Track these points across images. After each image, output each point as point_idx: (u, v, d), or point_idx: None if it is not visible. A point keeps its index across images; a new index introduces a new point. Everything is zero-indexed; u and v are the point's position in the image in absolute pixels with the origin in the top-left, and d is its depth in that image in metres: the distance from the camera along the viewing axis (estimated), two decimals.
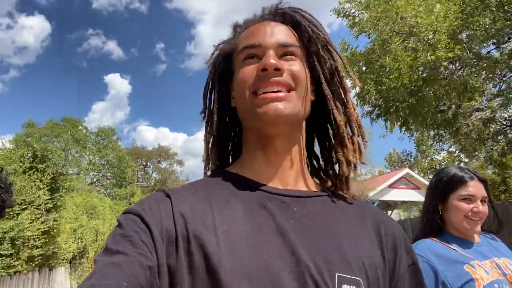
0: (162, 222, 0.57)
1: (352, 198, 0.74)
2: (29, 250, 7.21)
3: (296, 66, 0.67)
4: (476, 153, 10.43)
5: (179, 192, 0.64)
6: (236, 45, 0.73)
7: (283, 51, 0.68)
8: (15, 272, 7.28)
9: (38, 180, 7.66)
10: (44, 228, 7.73)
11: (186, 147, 62.06)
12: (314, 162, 0.80)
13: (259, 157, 0.70)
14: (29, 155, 7.83)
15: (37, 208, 7.72)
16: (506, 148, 9.85)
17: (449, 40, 6.44)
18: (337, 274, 0.57)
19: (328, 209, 0.68)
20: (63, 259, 9.26)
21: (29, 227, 7.24)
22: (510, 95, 6.69)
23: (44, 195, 7.90)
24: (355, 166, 0.73)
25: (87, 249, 11.31)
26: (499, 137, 9.29)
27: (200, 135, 0.80)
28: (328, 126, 0.76)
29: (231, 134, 0.81)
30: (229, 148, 0.82)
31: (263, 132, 0.68)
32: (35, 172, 7.68)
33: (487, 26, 6.36)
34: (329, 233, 0.63)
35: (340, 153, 0.72)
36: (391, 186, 17.79)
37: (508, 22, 6.27)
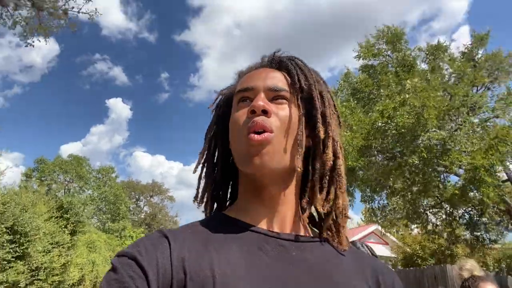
0: (158, 265, 0.55)
1: (344, 250, 0.72)
2: (53, 277, 9.87)
3: (284, 110, 0.68)
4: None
5: (177, 233, 0.62)
6: (234, 89, 0.76)
7: (274, 95, 0.69)
8: None
9: (63, 226, 10.45)
10: (64, 261, 10.36)
11: (181, 176, 61.50)
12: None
13: (254, 201, 0.69)
14: (57, 205, 10.76)
15: (62, 247, 10.32)
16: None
17: (356, 153, 9.56)
18: None
19: (326, 255, 0.67)
20: (68, 285, 11.83)
21: (56, 261, 9.88)
22: None
23: (67, 236, 10.67)
24: (329, 217, 0.72)
25: (85, 278, 13.72)
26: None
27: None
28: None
29: (229, 176, 0.80)
30: (227, 191, 0.81)
31: (253, 177, 0.68)
32: (62, 220, 10.47)
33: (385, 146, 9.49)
34: (328, 280, 0.62)
35: (305, 200, 0.72)
36: (361, 239, 20.13)
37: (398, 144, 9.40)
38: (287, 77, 0.72)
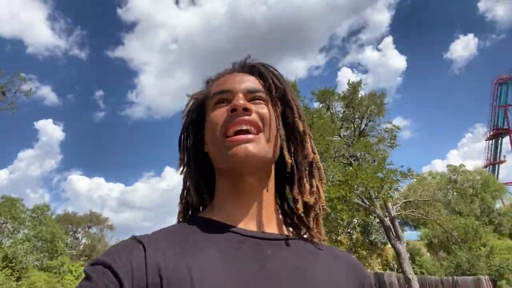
0: (133, 272, 0.55)
1: (322, 242, 0.75)
2: None
3: (264, 109, 0.71)
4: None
5: (152, 238, 0.62)
6: (208, 94, 0.77)
7: (251, 96, 0.71)
8: None
9: (9, 274, 11.64)
10: None
11: (123, 198, 58.80)
12: (286, 206, 0.80)
13: (232, 200, 0.70)
14: None
15: None
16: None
17: None
18: None
19: (302, 252, 0.68)
20: None
21: None
22: None
23: (14, 283, 11.82)
24: (312, 208, 0.74)
25: None
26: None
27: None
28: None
29: (205, 180, 0.79)
30: (203, 195, 0.80)
31: (234, 174, 0.69)
32: (8, 269, 11.67)
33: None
34: (303, 277, 0.62)
35: (296, 191, 0.73)
36: None
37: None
38: (261, 81, 0.75)
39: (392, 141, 15.68)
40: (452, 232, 14.43)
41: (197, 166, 0.79)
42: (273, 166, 0.74)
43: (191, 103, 0.82)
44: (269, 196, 0.73)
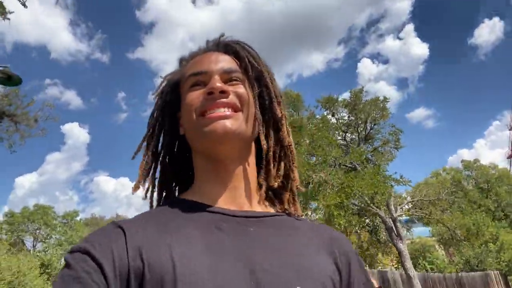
0: (114, 257, 0.54)
1: (299, 216, 0.75)
2: None
3: (241, 89, 0.70)
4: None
5: (131, 222, 0.62)
6: (182, 75, 0.74)
7: (228, 77, 0.70)
8: None
9: (47, 279, 13.15)
10: None
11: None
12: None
13: (211, 180, 0.69)
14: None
15: None
16: None
17: None
18: (297, 287, 0.58)
19: (284, 228, 0.68)
20: None
21: None
22: None
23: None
24: (284, 189, 0.75)
25: None
26: None
27: None
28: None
29: (180, 163, 0.79)
30: (177, 177, 0.80)
31: (213, 152, 0.68)
32: (45, 274, 13.12)
33: None
34: (286, 251, 0.63)
35: (261, 177, 0.73)
36: None
37: None
38: (236, 60, 0.73)
39: (396, 143, 16.46)
40: (455, 230, 15.04)
41: (167, 150, 0.78)
42: (253, 145, 0.74)
43: (164, 84, 0.80)
44: (249, 174, 0.72)
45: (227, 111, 0.67)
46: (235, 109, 0.68)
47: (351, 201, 11.41)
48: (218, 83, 0.68)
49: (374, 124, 16.94)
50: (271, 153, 0.73)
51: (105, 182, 62.89)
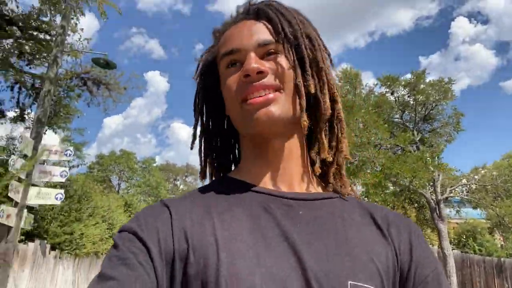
0: (159, 238, 0.54)
1: (348, 195, 0.71)
2: None
3: (280, 63, 0.64)
4: None
5: (178, 202, 0.61)
6: (217, 52, 0.71)
7: (264, 51, 0.65)
8: None
9: (128, 216, 16.16)
10: None
11: None
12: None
13: (259, 161, 0.67)
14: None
15: None
16: None
17: None
18: (349, 282, 0.53)
19: (336, 211, 0.64)
20: None
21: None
22: None
23: None
24: (332, 164, 0.71)
25: None
26: None
27: None
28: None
29: (230, 142, 0.79)
30: (229, 157, 0.79)
31: (259, 137, 0.66)
32: (126, 212, 16.11)
33: None
34: (338, 238, 0.59)
35: (313, 151, 0.69)
36: None
37: None
38: (270, 27, 0.67)
39: (456, 126, 16.53)
40: (504, 217, 15.20)
41: (217, 132, 0.77)
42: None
43: (201, 65, 0.77)
44: (299, 154, 0.68)
45: (268, 94, 0.62)
46: (276, 89, 0.64)
47: (388, 182, 12.31)
48: (254, 64, 0.62)
49: (436, 105, 16.98)
50: (321, 124, 0.69)
51: (180, 129, 67.08)
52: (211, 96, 0.76)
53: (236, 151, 0.80)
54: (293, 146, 0.68)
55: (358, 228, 0.63)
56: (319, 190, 0.70)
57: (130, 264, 0.51)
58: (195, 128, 0.76)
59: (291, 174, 0.67)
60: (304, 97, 0.65)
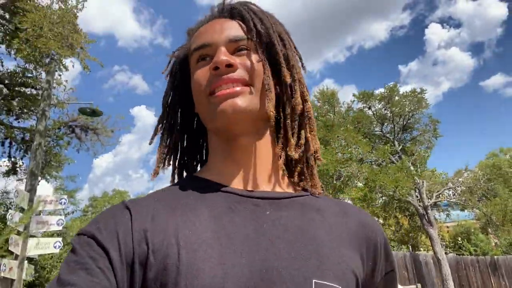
0: (119, 241, 0.52)
1: (319, 194, 0.69)
2: None
3: (250, 59, 0.65)
4: None
5: (140, 203, 0.59)
6: (188, 49, 0.71)
7: (235, 46, 0.65)
8: None
9: None
10: None
11: None
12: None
13: (226, 159, 0.66)
14: None
15: None
16: None
17: None
18: (314, 280, 0.53)
19: (306, 211, 0.63)
20: None
21: None
22: None
23: None
24: (301, 162, 0.70)
25: None
26: None
27: None
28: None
29: (198, 141, 0.78)
30: (195, 157, 0.78)
31: (226, 132, 0.65)
32: None
33: None
34: (305, 237, 0.58)
35: (279, 146, 0.69)
36: None
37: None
38: (243, 25, 0.67)
39: (434, 132, 17.24)
40: (491, 216, 15.67)
41: (183, 129, 0.76)
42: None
43: (172, 62, 0.77)
44: (267, 152, 0.68)
45: (236, 87, 0.62)
46: (245, 83, 0.63)
47: (375, 194, 12.78)
48: (223, 56, 0.62)
49: (412, 115, 17.70)
50: (288, 121, 0.68)
51: None
52: (181, 93, 0.76)
53: (204, 151, 0.80)
54: (262, 145, 0.68)
55: (328, 227, 0.62)
56: (289, 189, 0.69)
57: (89, 269, 0.50)
58: (159, 123, 0.75)
59: (260, 173, 0.66)
60: (273, 91, 0.65)
